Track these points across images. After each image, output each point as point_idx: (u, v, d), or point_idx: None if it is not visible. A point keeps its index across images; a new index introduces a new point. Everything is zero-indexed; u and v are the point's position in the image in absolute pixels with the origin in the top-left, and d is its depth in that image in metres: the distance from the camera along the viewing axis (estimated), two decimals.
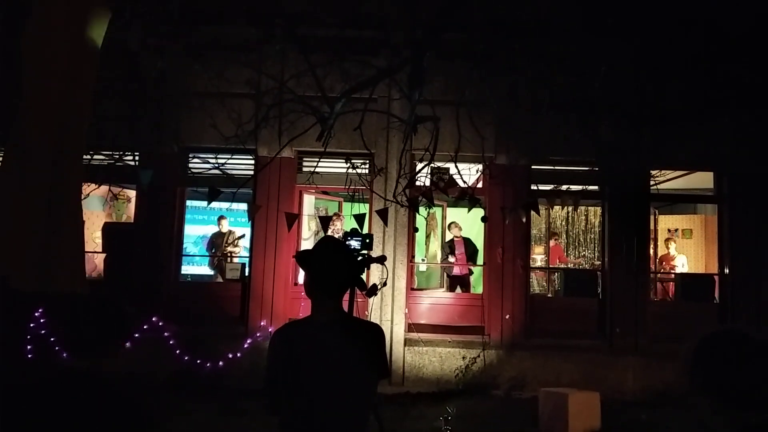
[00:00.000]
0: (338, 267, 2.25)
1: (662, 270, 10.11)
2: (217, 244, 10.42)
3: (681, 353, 1.67)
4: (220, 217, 10.63)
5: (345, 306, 2.36)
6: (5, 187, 3.92)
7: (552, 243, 11.12)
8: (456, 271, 9.85)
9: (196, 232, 11.43)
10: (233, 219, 11.32)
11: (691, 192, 10.23)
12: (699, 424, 1.60)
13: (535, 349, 8.26)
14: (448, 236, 9.99)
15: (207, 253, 10.78)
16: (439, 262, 10.25)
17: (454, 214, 10.40)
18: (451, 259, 9.71)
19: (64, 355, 1.69)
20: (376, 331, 2.27)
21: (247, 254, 9.36)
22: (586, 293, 8.79)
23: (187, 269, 10.49)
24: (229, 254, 10.28)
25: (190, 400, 6.70)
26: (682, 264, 10.31)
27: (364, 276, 3.37)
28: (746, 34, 7.36)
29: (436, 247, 10.74)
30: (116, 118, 7.56)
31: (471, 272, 9.99)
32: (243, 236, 10.48)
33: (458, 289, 9.77)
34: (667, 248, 10.29)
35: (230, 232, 10.52)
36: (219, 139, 7.26)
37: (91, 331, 1.76)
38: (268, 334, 8.24)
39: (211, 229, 10.96)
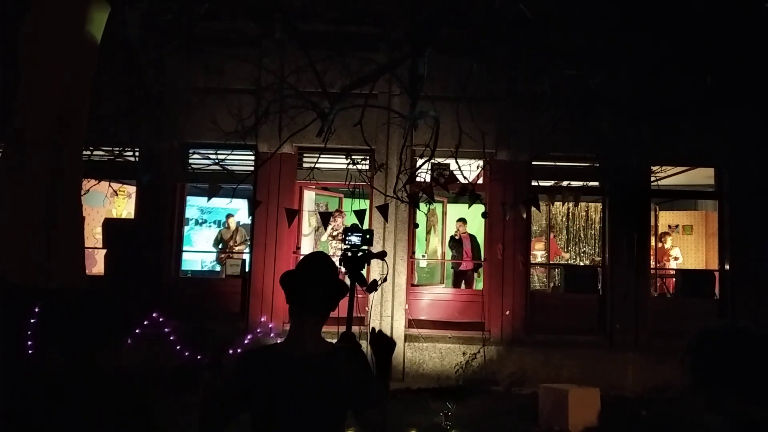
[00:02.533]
0: (319, 285, 2.06)
1: (659, 263, 10.11)
2: (225, 241, 10.46)
3: (683, 349, 1.66)
4: (228, 215, 10.69)
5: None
6: (4, 182, 3.91)
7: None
8: (463, 266, 9.90)
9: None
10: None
11: (691, 188, 10.22)
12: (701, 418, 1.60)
13: (535, 345, 8.27)
14: (456, 231, 10.05)
15: (212, 250, 10.84)
16: (440, 258, 10.26)
17: (456, 210, 10.40)
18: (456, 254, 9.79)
19: (63, 351, 1.68)
20: (355, 360, 2.07)
21: (248, 251, 9.38)
22: (587, 289, 8.79)
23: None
24: (230, 252, 10.29)
25: (190, 395, 6.71)
26: (675, 257, 10.31)
27: (364, 272, 3.37)
28: (747, 27, 7.33)
29: (436, 243, 10.75)
30: (116, 114, 7.54)
31: (474, 268, 10.02)
32: (246, 240, 10.51)
33: (462, 285, 9.82)
34: (663, 243, 10.31)
35: (237, 230, 10.54)
36: (219, 135, 7.26)
37: (91, 326, 1.76)
38: (269, 330, 8.25)
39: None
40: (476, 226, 9.99)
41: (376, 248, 8.12)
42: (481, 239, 9.36)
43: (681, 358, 1.65)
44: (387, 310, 8.33)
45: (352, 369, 2.03)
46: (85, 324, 2.01)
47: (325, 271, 2.10)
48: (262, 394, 1.96)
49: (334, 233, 9.44)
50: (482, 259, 8.98)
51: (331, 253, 9.57)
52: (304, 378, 1.95)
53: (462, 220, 9.95)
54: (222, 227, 11.06)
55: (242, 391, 2.00)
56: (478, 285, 10.04)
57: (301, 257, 2.22)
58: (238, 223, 10.86)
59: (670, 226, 11.21)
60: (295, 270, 2.13)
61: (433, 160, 6.96)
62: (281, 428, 1.95)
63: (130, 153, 8.39)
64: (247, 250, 10.37)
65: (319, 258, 2.19)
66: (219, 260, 10.69)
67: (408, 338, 8.32)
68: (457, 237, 9.94)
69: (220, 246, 10.53)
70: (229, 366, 2.10)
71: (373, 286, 3.85)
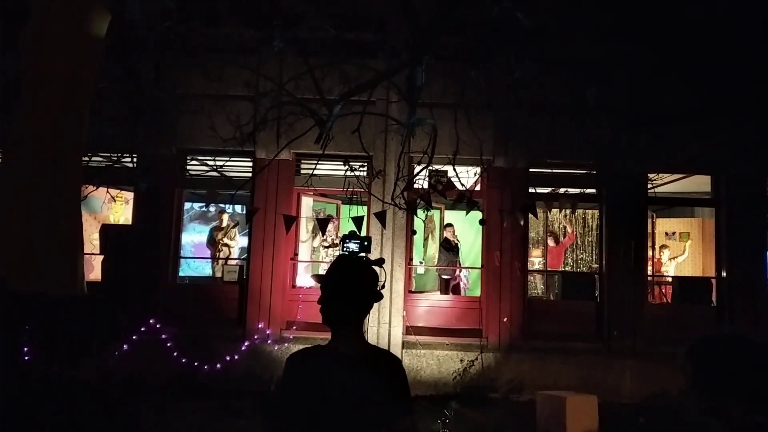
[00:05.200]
0: (357, 290, 2.10)
1: (658, 273, 10.14)
2: (216, 239, 10.43)
3: (681, 355, 1.67)
4: (221, 211, 10.67)
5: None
6: (4, 188, 3.92)
7: (551, 244, 11.10)
8: (453, 273, 9.92)
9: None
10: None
11: (688, 195, 10.26)
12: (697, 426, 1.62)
13: (533, 352, 8.26)
14: (452, 235, 10.09)
15: (206, 254, 10.80)
16: (437, 264, 10.27)
17: (453, 216, 10.42)
18: (445, 259, 9.82)
19: (57, 358, 1.67)
20: (399, 364, 2.10)
21: (243, 254, 9.37)
22: (584, 296, 8.79)
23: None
24: (223, 247, 10.27)
25: (188, 402, 6.70)
26: (675, 270, 10.33)
27: None
28: (744, 35, 7.39)
29: (434, 249, 10.76)
30: (114, 120, 7.55)
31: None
32: (237, 224, 10.57)
33: (449, 291, 9.86)
34: (661, 255, 10.32)
35: (229, 225, 10.54)
36: (217, 141, 7.26)
37: (84, 333, 1.75)
38: (266, 336, 8.23)
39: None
40: (473, 233, 10.00)
41: (374, 255, 8.13)
42: (478, 246, 9.38)
43: (681, 364, 1.66)
44: (384, 317, 8.32)
45: (396, 371, 2.06)
46: (71, 330, 1.99)
47: (366, 274, 2.14)
48: (317, 389, 1.97)
49: (328, 238, 9.45)
50: (480, 265, 8.99)
51: (326, 260, 9.59)
52: (358, 372, 1.98)
53: (450, 226, 9.98)
54: (214, 224, 10.92)
55: (300, 390, 2.00)
56: (473, 292, 10.06)
57: (335, 258, 2.21)
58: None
59: (667, 233, 11.24)
60: (340, 272, 2.14)
61: (430, 167, 6.98)
62: (335, 422, 1.96)
63: (128, 159, 8.40)
64: (237, 246, 10.41)
65: (358, 261, 2.23)
66: (213, 258, 10.64)
67: (405, 345, 8.30)
68: (453, 242, 9.98)
69: (212, 244, 10.50)
70: (280, 378, 2.09)
71: None
